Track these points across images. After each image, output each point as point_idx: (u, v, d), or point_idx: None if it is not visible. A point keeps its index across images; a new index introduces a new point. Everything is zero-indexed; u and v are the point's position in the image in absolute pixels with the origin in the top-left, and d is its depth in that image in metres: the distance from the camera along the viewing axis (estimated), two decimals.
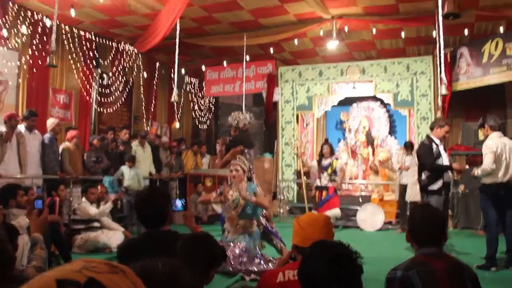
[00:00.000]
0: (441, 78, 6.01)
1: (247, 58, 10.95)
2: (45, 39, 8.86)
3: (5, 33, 8.15)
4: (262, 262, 5.40)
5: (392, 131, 12.99)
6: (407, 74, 11.09)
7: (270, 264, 5.32)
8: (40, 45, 8.79)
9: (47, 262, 2.47)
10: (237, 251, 5.15)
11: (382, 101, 12.30)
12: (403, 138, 11.50)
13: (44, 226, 2.72)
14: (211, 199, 5.76)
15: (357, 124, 13.00)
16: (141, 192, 2.86)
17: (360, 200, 10.25)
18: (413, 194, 8.43)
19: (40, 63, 8.69)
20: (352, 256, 1.65)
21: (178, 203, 2.77)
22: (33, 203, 2.54)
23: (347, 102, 12.64)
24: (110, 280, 0.67)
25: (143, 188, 2.81)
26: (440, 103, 9.64)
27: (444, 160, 6.22)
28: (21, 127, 7.57)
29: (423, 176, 6.21)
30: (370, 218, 9.51)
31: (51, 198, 6.40)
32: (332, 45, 10.16)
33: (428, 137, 6.38)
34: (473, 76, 10.23)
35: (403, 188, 9.09)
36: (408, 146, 9.35)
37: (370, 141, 12.77)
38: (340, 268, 1.60)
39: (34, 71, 8.77)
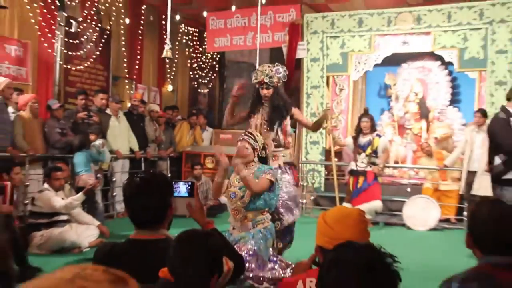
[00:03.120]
0: None
1: (263, 1, 10.86)
2: None
3: None
4: (277, 267, 5.44)
5: (454, 100, 12.95)
6: (479, 23, 10.87)
7: (288, 269, 5.35)
8: None
9: None
10: (244, 254, 5.18)
11: (442, 60, 12.19)
12: (470, 109, 11.39)
13: None
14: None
15: (407, 90, 13.01)
16: (132, 180, 2.77)
17: (408, 190, 10.29)
18: (482, 186, 8.42)
19: None
20: (386, 261, 1.66)
21: (182, 187, 2.82)
22: None
23: (395, 61, 12.57)
24: None
25: (138, 175, 2.76)
26: None
27: None
28: None
29: (497, 162, 6.17)
30: (421, 213, 9.57)
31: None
32: None
33: (504, 109, 6.32)
34: None
35: (472, 177, 9.08)
36: (483, 115, 9.24)
37: (424, 112, 12.77)
38: (372, 277, 1.61)
39: None
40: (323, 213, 2.64)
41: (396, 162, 12.02)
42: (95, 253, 2.78)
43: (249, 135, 5.58)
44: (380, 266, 1.64)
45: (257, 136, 5.64)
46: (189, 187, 3.10)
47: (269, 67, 6.41)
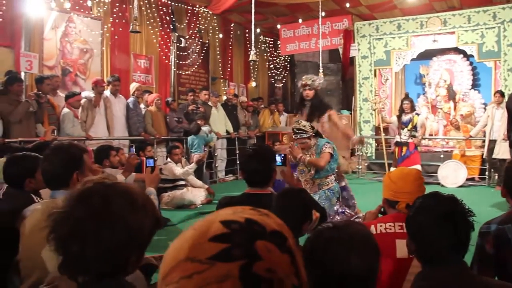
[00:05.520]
0: None
1: (323, 14, 10.70)
2: (124, 7, 9.14)
3: (89, 3, 8.46)
4: (344, 218, 5.35)
5: (475, 84, 12.44)
6: (493, 23, 10.37)
7: (352, 219, 5.23)
8: (120, 13, 9.09)
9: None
10: None
11: (464, 53, 11.70)
12: (488, 91, 10.95)
13: (156, 181, 3.02)
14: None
15: (437, 78, 12.56)
16: (247, 151, 2.84)
17: (442, 156, 9.97)
18: (501, 151, 8.13)
19: (120, 30, 8.97)
20: (464, 212, 1.60)
21: (278, 158, 2.82)
22: (136, 163, 2.80)
23: (427, 56, 12.16)
24: (262, 220, 0.71)
25: (251, 147, 2.84)
26: None
27: None
28: (107, 92, 8.05)
29: None
30: (452, 174, 9.31)
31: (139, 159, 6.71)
32: None
33: None
34: None
35: (493, 144, 8.76)
36: (502, 95, 8.90)
37: (451, 95, 12.32)
38: (453, 224, 1.56)
39: (116, 38, 9.08)
40: (388, 172, 2.56)
41: (431, 135, 11.66)
42: (218, 203, 2.84)
43: (298, 131, 5.36)
44: (458, 215, 1.59)
45: (300, 123, 5.43)
46: (282, 158, 3.12)
47: (313, 76, 6.32)
